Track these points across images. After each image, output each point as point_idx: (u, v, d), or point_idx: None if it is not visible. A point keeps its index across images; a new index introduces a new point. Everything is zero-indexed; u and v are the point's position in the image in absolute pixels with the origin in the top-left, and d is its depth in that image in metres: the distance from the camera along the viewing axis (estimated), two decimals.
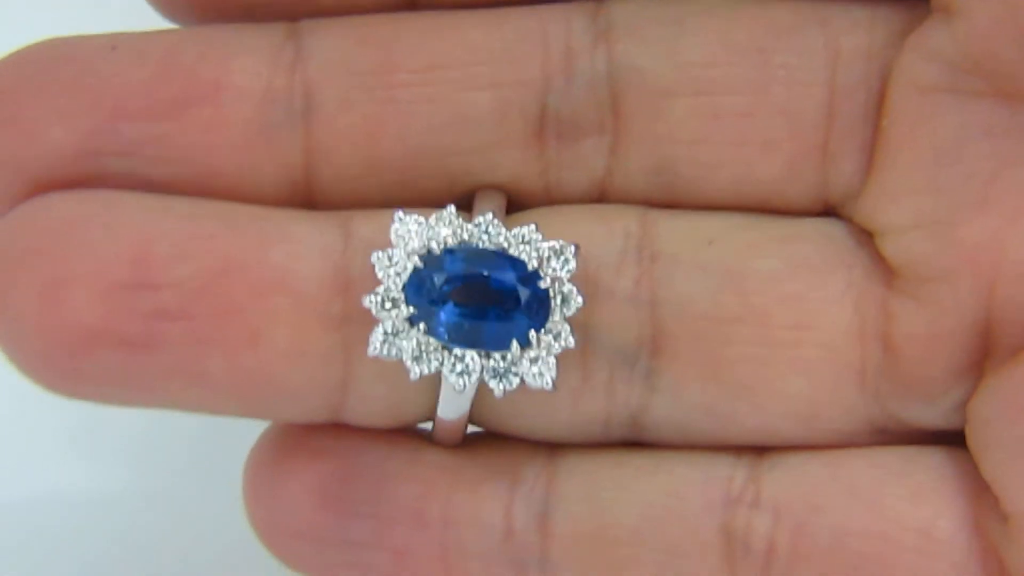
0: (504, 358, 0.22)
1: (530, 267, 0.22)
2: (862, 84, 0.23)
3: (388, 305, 0.22)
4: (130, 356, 0.22)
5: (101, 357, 0.22)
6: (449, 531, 0.24)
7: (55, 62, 0.23)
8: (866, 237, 0.24)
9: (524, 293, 0.22)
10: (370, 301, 0.22)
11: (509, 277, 0.22)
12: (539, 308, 0.22)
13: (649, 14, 0.24)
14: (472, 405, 0.23)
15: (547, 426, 0.24)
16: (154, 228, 0.22)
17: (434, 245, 0.22)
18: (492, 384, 0.22)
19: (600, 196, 0.24)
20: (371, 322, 0.22)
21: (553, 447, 0.25)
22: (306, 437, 0.24)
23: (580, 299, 0.22)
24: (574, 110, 0.24)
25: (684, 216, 0.24)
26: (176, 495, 0.32)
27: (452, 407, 0.23)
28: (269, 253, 0.23)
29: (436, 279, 0.22)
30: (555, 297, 0.22)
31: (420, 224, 0.22)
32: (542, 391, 0.22)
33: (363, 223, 0.23)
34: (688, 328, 0.23)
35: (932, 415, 0.24)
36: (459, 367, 0.22)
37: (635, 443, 0.24)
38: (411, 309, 0.22)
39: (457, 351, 0.22)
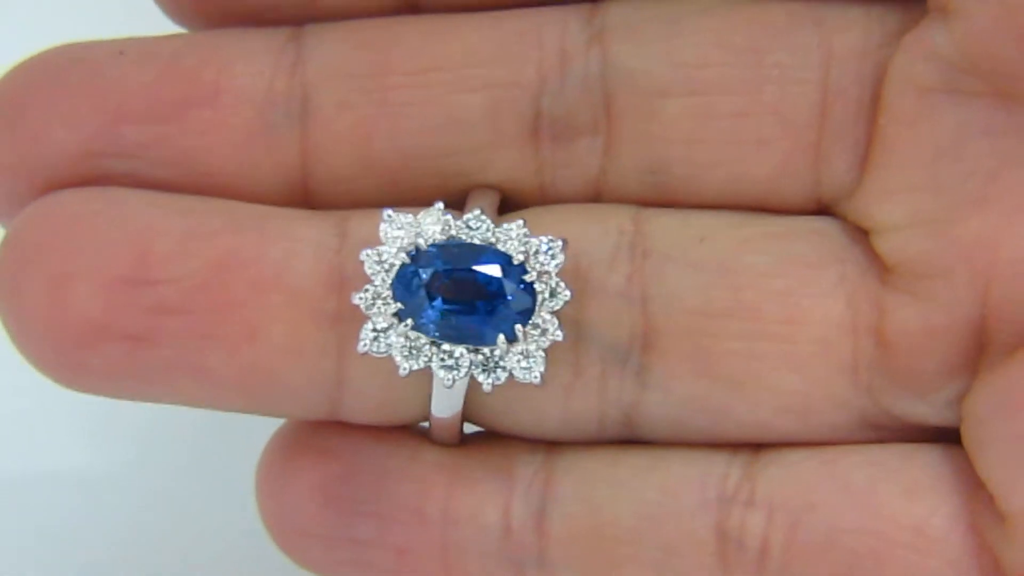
0: (492, 352, 0.22)
1: (516, 261, 0.22)
2: (855, 83, 0.23)
3: (377, 302, 0.22)
4: (132, 350, 0.23)
5: (104, 351, 0.23)
6: (448, 529, 0.24)
7: (65, 67, 0.24)
8: (860, 234, 0.24)
9: (510, 287, 0.22)
10: (359, 298, 0.22)
11: (495, 271, 0.22)
12: (526, 302, 0.22)
13: (644, 15, 0.24)
14: (466, 403, 0.23)
15: (540, 423, 0.24)
16: (157, 225, 0.23)
17: (421, 241, 0.22)
18: (480, 378, 0.22)
19: (595, 196, 0.24)
20: (363, 319, 0.22)
21: (551, 446, 0.25)
22: (313, 436, 0.25)
23: (568, 293, 0.22)
24: (568, 110, 0.24)
25: (676, 213, 0.24)
26: (182, 479, 0.32)
27: (445, 404, 0.23)
28: (268, 250, 0.23)
29: (423, 275, 0.22)
30: (543, 291, 0.22)
31: (409, 222, 0.22)
32: (532, 385, 0.22)
33: (360, 223, 0.23)
34: (680, 324, 0.23)
35: (925, 410, 0.23)
36: (448, 362, 0.22)
37: (631, 441, 0.24)
38: (399, 305, 0.22)
39: (446, 346, 0.22)
